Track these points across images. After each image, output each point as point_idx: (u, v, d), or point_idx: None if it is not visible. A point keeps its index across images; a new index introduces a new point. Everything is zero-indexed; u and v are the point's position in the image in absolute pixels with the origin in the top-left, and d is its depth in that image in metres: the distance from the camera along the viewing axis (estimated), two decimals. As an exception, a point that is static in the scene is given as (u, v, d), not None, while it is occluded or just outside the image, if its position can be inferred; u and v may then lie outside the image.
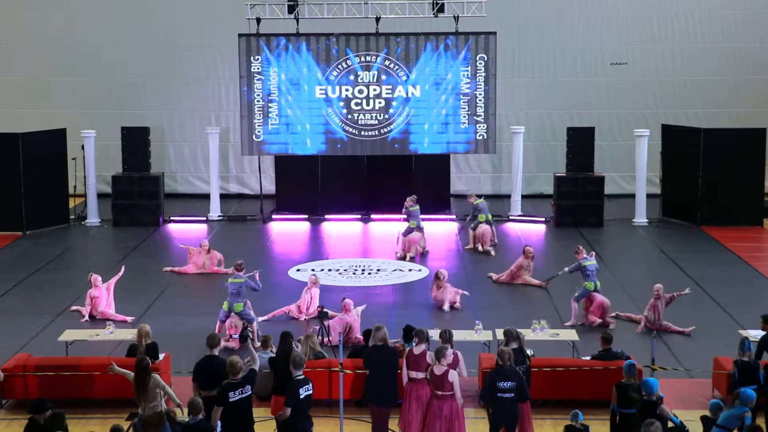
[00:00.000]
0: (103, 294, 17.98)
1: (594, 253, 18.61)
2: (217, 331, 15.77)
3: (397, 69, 25.38)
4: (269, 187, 28.11)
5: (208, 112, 29.57)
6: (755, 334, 14.84)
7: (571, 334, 15.74)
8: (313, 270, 20.74)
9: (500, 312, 18.04)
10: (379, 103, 25.50)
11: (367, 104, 25.51)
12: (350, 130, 25.57)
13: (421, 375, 12.15)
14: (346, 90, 25.47)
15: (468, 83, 25.38)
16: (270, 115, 25.52)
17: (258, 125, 25.55)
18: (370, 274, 21.09)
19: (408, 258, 22.20)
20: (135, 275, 20.56)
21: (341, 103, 25.49)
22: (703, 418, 12.03)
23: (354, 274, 21.07)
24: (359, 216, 26.49)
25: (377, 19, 25.15)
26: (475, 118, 25.50)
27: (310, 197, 26.55)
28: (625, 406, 11.87)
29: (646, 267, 21.98)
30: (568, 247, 22.85)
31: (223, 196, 27.78)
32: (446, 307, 18.24)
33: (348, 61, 25.38)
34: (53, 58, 29.37)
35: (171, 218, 26.19)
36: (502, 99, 27.06)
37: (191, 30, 29.13)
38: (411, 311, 18.17)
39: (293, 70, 25.40)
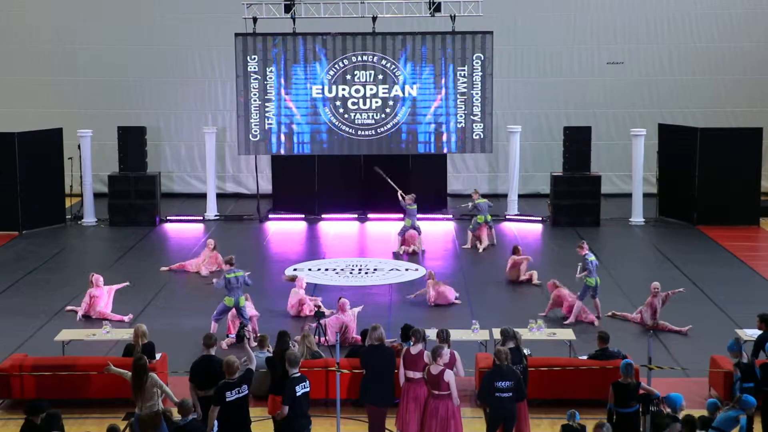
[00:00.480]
0: (103, 295, 17.98)
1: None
2: (212, 331, 15.74)
3: (394, 68, 25.37)
4: (266, 186, 28.09)
5: (205, 112, 29.55)
6: (751, 333, 14.86)
7: (568, 334, 15.74)
8: (295, 269, 20.85)
9: (497, 311, 18.05)
10: (376, 102, 25.49)
11: (364, 104, 25.50)
12: (347, 129, 25.56)
13: (418, 375, 12.15)
14: (343, 89, 25.46)
15: (464, 82, 25.37)
16: (267, 114, 25.50)
17: (254, 125, 25.53)
18: (366, 273, 21.09)
19: (411, 250, 22.24)
20: (131, 275, 20.54)
21: (338, 103, 25.48)
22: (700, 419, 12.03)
23: (351, 273, 21.07)
24: (356, 215, 26.49)
25: (374, 19, 25.14)
26: (471, 117, 25.50)
27: (307, 197, 26.55)
28: (622, 406, 11.88)
29: (643, 266, 21.99)
30: (564, 246, 22.94)
31: (220, 196, 27.76)
32: (452, 297, 18.58)
33: (344, 61, 25.37)
34: (49, 57, 29.33)
35: (167, 218, 26.16)
36: (498, 98, 27.05)
37: (188, 30, 29.11)
38: (410, 309, 18.18)
39: (290, 69, 25.38)
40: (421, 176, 26.49)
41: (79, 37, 29.16)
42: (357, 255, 23.01)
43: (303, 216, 26.50)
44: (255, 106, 25.46)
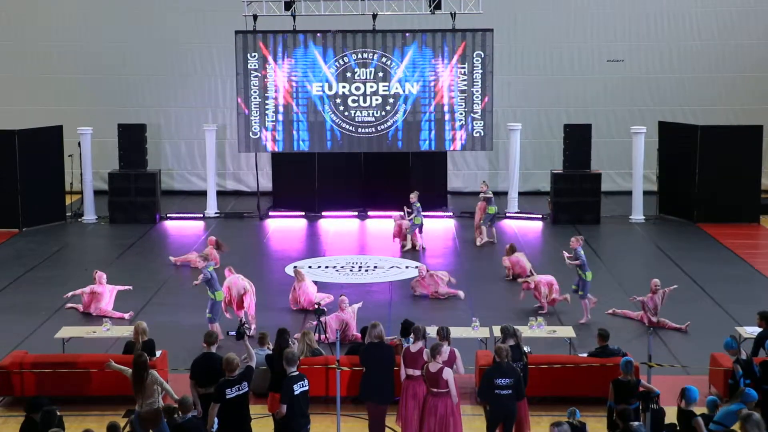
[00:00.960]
0: (105, 293, 17.99)
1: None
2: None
3: (394, 66, 25.36)
4: (266, 184, 28.09)
5: (205, 109, 29.55)
6: (751, 330, 14.87)
7: (567, 331, 15.75)
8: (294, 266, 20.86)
9: (497, 309, 18.04)
10: (376, 100, 25.49)
11: (364, 101, 25.49)
12: (347, 127, 25.56)
13: (417, 372, 12.15)
14: (343, 87, 25.45)
15: (465, 80, 25.37)
16: (267, 112, 25.49)
17: (255, 122, 25.53)
18: (367, 271, 21.09)
19: (410, 246, 22.46)
20: (132, 272, 20.57)
21: (338, 100, 25.47)
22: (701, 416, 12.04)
23: (351, 271, 21.07)
24: (356, 213, 26.50)
25: (374, 16, 25.13)
26: (471, 115, 25.49)
27: (307, 194, 26.55)
28: (623, 403, 11.87)
29: (643, 264, 21.99)
30: (564, 244, 22.87)
31: (220, 193, 27.76)
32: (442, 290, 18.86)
33: (345, 58, 25.36)
34: (50, 55, 29.32)
35: (167, 215, 26.17)
36: (498, 96, 27.04)
37: (188, 27, 29.11)
38: (410, 307, 18.18)
39: (290, 67, 25.37)
40: (421, 174, 26.52)
41: (80, 34, 29.16)
42: (357, 252, 23.00)
43: (303, 213, 26.50)
44: (255, 104, 25.45)
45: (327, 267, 21.33)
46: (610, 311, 17.90)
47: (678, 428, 11.62)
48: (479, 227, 23.39)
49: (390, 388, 12.51)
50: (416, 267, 20.13)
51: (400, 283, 20.09)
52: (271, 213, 26.62)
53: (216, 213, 26.66)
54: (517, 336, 12.95)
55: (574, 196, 25.57)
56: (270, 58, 25.31)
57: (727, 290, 19.41)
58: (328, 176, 26.68)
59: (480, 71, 25.33)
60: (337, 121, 25.52)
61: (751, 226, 25.16)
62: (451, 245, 23.65)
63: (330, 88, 25.46)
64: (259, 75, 25.32)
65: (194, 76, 29.48)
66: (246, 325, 15.98)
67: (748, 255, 22.26)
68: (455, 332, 14.08)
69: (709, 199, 25.22)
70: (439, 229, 25.10)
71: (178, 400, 11.27)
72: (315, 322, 15.98)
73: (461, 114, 25.49)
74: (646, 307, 17.32)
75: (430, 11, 25.14)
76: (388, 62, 25.36)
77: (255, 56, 25.28)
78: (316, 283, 18.86)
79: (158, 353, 14.10)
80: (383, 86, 25.43)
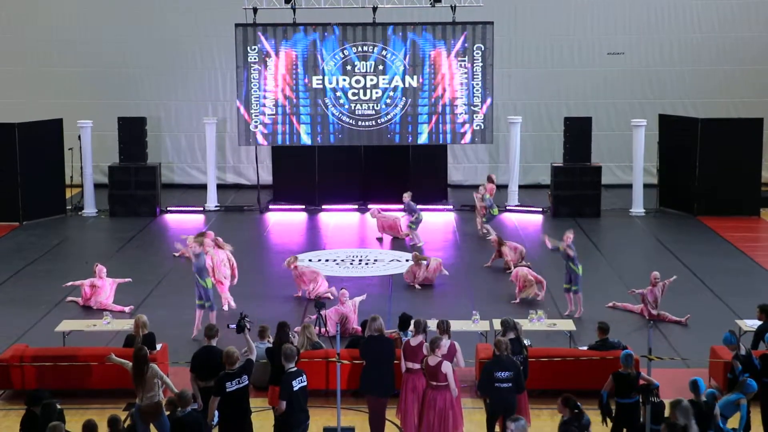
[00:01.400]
0: (105, 286, 18.01)
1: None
2: (213, 322, 15.68)
3: (394, 59, 25.34)
4: (266, 177, 28.07)
5: (205, 103, 29.51)
6: (751, 324, 14.88)
7: (567, 324, 15.76)
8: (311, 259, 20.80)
9: (497, 302, 18.06)
10: (376, 93, 25.47)
11: (364, 94, 25.47)
12: (347, 120, 25.54)
13: (417, 366, 12.16)
14: (343, 80, 25.43)
15: (465, 73, 25.34)
16: (267, 105, 25.48)
17: (255, 115, 25.51)
18: (367, 264, 21.09)
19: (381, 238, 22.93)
20: (132, 266, 20.58)
21: (338, 94, 25.45)
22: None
23: (351, 264, 21.08)
24: (356, 206, 26.49)
25: (374, 9, 25.10)
26: (472, 108, 25.48)
27: (307, 187, 26.54)
28: (623, 396, 11.88)
29: (643, 257, 21.99)
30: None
31: (220, 187, 27.74)
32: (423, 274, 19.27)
33: (345, 52, 25.34)
34: (50, 48, 29.28)
35: (168, 209, 26.17)
36: (499, 89, 27.01)
37: (188, 20, 29.07)
38: (410, 300, 18.19)
39: (290, 60, 25.35)
40: (421, 167, 26.51)
41: (80, 27, 29.10)
42: (357, 246, 23.01)
43: (303, 207, 26.50)
44: (255, 97, 25.43)
45: (327, 260, 21.33)
46: (611, 304, 17.90)
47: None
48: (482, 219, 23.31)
49: (390, 382, 12.52)
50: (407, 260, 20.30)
51: (400, 276, 20.08)
52: (271, 206, 26.62)
53: (216, 206, 26.66)
54: (518, 329, 12.97)
55: (575, 189, 25.55)
56: (270, 51, 25.28)
57: (727, 283, 19.42)
58: (328, 169, 26.67)
59: (480, 64, 25.30)
60: (337, 114, 25.51)
61: (751, 219, 25.16)
62: (451, 238, 23.65)
63: (330, 81, 25.43)
64: (259, 68, 25.30)
65: (194, 69, 29.44)
66: (247, 319, 16.01)
67: (748, 248, 22.26)
68: (455, 325, 14.10)
69: (709, 192, 25.22)
70: (439, 222, 25.09)
71: (176, 393, 11.28)
72: (315, 316, 15.99)
73: (461, 107, 25.48)
74: (645, 299, 17.33)
75: (431, 4, 25.11)
76: (389, 55, 25.33)
77: (255, 49, 25.25)
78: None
79: (158, 346, 14.11)
80: (383, 79, 25.41)
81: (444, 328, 12.57)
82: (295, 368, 11.45)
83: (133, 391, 11.96)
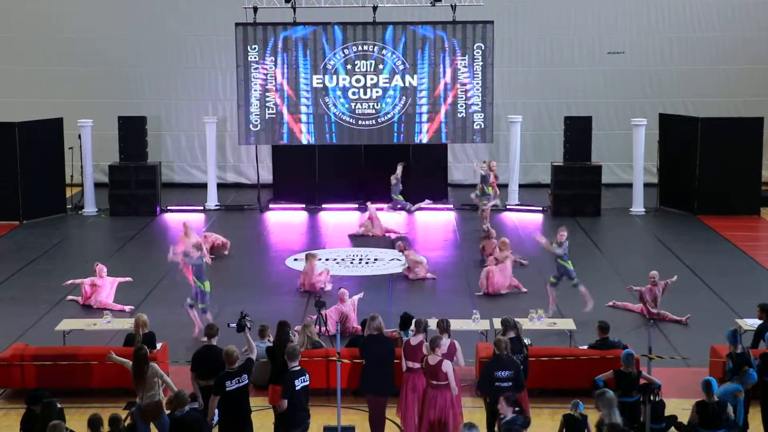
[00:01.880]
0: (105, 285, 18.00)
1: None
2: (212, 321, 15.67)
3: (395, 58, 25.33)
4: (266, 176, 28.07)
5: (205, 102, 29.52)
6: (752, 323, 14.88)
7: (568, 324, 15.76)
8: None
9: (497, 301, 18.06)
10: (377, 92, 25.46)
11: (364, 93, 25.47)
12: (347, 119, 25.54)
13: (417, 365, 12.16)
14: (344, 79, 25.43)
15: (465, 72, 25.34)
16: (267, 104, 25.47)
17: (255, 114, 25.51)
18: (367, 263, 21.09)
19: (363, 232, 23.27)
20: (132, 265, 20.57)
21: (338, 93, 25.45)
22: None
23: (351, 263, 21.08)
24: (356, 205, 26.48)
25: (374, 8, 25.10)
26: (472, 107, 25.47)
27: (308, 186, 26.55)
28: (624, 395, 11.88)
29: (643, 256, 21.98)
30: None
31: (220, 186, 27.74)
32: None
33: (345, 51, 25.33)
34: (50, 47, 29.28)
35: (168, 208, 26.16)
36: (499, 88, 27.00)
37: (188, 19, 29.07)
38: (410, 299, 18.18)
39: (290, 59, 25.35)
40: (422, 166, 26.50)
41: (80, 26, 29.10)
42: (357, 245, 23.00)
43: (303, 206, 26.49)
44: (255, 96, 25.43)
45: (327, 259, 21.32)
46: (610, 303, 17.89)
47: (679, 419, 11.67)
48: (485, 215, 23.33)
49: (390, 380, 12.52)
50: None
51: (400, 275, 20.08)
52: (271, 205, 26.61)
53: (216, 205, 26.66)
54: (518, 328, 12.96)
55: (575, 188, 25.55)
56: (270, 50, 25.27)
57: (727, 282, 19.42)
58: (328, 168, 26.67)
59: (480, 63, 25.30)
60: (337, 113, 25.50)
61: (751, 218, 25.16)
62: (451, 237, 23.64)
63: (330, 81, 25.43)
64: (260, 67, 25.29)
65: (194, 68, 29.44)
66: (247, 318, 16.00)
67: (748, 247, 22.25)
68: (455, 324, 14.09)
69: (709, 192, 25.21)
70: (439, 221, 25.09)
71: (174, 393, 11.27)
72: (315, 315, 15.99)
73: (461, 106, 25.47)
74: (643, 297, 17.32)
75: (431, 3, 25.11)
76: (389, 54, 25.32)
77: (255, 48, 25.25)
78: (319, 275, 18.85)
79: (159, 346, 14.11)
80: (383, 78, 25.41)
81: (444, 327, 12.56)
82: (299, 367, 11.46)
83: (134, 390, 11.95)
